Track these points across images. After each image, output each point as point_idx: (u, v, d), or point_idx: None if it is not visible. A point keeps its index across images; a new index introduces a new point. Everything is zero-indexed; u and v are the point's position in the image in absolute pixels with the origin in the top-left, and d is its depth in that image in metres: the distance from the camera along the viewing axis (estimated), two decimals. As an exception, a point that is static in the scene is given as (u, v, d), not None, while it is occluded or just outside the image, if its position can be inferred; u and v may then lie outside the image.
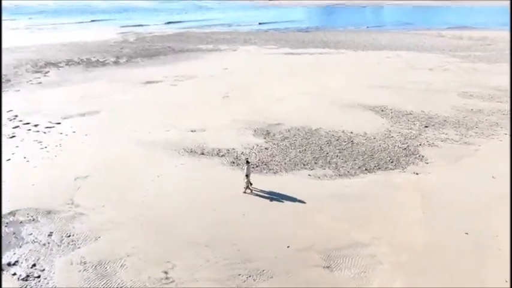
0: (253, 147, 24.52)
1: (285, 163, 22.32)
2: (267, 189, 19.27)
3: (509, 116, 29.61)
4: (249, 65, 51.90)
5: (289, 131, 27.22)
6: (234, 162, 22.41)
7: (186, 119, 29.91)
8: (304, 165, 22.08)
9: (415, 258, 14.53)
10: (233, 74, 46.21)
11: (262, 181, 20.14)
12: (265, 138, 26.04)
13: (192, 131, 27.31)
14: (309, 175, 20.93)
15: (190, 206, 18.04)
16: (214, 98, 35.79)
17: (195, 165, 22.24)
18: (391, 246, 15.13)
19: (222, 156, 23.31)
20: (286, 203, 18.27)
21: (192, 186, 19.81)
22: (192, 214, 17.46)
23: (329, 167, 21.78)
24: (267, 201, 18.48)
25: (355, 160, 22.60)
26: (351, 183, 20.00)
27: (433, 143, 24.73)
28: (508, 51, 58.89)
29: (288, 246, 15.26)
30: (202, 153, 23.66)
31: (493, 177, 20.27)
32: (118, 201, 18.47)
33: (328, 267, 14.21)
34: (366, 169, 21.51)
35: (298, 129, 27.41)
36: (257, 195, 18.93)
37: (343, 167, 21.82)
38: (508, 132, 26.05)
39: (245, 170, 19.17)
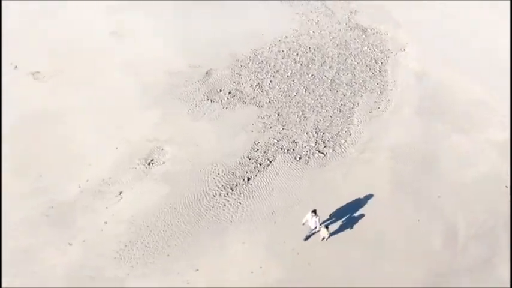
0: (265, 125, 16.97)
1: (338, 117, 17.11)
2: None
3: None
4: None
5: (239, 74, 19.42)
6: (300, 158, 15.51)
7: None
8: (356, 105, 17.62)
9: None
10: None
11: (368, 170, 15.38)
12: (250, 101, 17.98)
13: (149, 163, 15.80)
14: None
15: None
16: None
17: (277, 198, 14.25)
18: None
19: (270, 162, 15.42)
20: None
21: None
22: None
23: (378, 99, 18.34)
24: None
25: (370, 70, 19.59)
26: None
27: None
28: None
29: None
30: (249, 178, 14.94)
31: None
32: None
33: None
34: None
35: (251, 60, 19.63)
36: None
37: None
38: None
39: (317, 221, 13.17)
